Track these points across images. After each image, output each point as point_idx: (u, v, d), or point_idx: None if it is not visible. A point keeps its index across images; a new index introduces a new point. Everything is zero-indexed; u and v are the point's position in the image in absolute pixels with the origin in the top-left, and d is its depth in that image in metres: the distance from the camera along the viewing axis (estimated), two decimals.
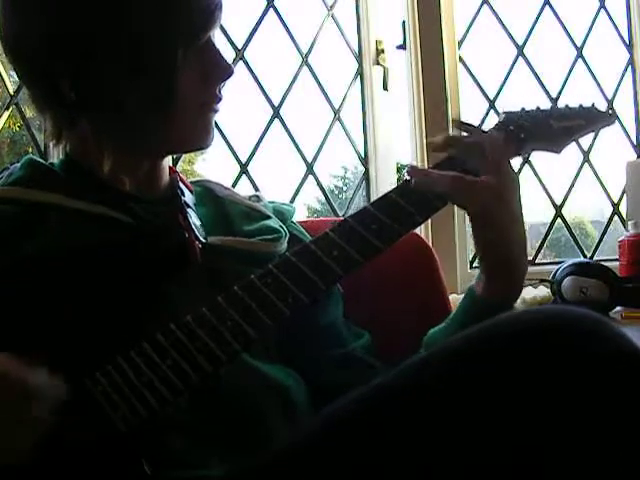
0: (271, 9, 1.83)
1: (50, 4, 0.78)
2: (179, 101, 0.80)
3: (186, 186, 0.92)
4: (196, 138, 0.86)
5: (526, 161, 1.97)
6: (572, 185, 2.03)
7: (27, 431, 0.61)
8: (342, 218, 0.81)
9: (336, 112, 1.88)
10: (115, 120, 0.81)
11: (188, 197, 0.89)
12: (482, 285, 0.83)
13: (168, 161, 0.92)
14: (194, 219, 0.85)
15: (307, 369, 0.87)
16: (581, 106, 0.96)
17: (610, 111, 0.99)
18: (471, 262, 1.91)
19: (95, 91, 0.79)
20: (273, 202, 0.99)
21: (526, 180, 1.98)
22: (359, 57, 1.93)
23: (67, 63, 0.78)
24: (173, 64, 0.79)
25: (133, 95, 0.79)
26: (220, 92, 0.85)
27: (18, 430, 0.61)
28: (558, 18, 2.04)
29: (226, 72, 0.84)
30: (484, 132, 0.89)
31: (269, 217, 0.93)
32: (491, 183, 0.80)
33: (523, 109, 0.93)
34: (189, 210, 0.86)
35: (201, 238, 0.83)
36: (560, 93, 2.00)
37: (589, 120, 0.95)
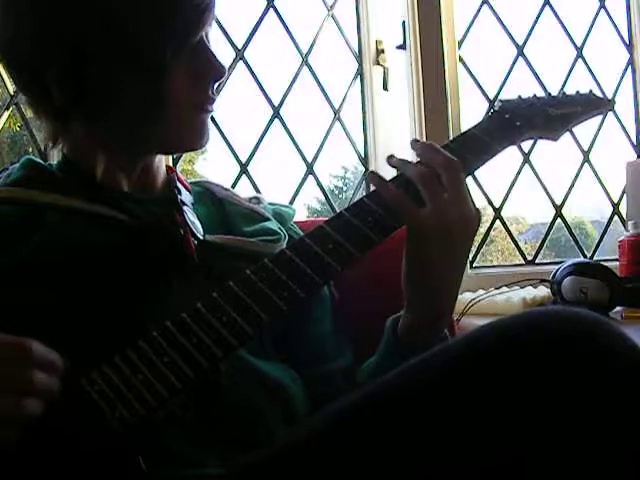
0: (271, 9, 1.83)
1: (41, 6, 0.78)
2: (172, 101, 0.80)
3: (184, 186, 0.92)
4: (189, 138, 0.86)
5: (526, 161, 1.97)
6: (572, 185, 2.03)
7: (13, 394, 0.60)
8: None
9: (336, 112, 1.88)
10: (107, 121, 0.81)
11: (185, 196, 0.89)
12: (402, 320, 0.83)
13: (164, 160, 0.92)
14: (190, 217, 0.85)
15: (299, 364, 0.87)
16: (578, 93, 0.96)
17: (607, 97, 0.98)
18: (471, 262, 1.91)
19: (86, 92, 0.79)
20: (273, 204, 0.99)
21: (526, 180, 1.98)
22: (359, 57, 1.92)
23: (58, 65, 0.78)
24: (165, 64, 0.78)
25: (125, 96, 0.79)
26: (214, 92, 0.85)
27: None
28: (558, 18, 2.04)
29: (218, 72, 0.84)
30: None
31: (268, 219, 0.93)
32: (438, 213, 0.75)
33: (520, 97, 0.94)
34: (185, 208, 0.86)
35: (198, 235, 0.83)
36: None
37: (586, 106, 0.95)
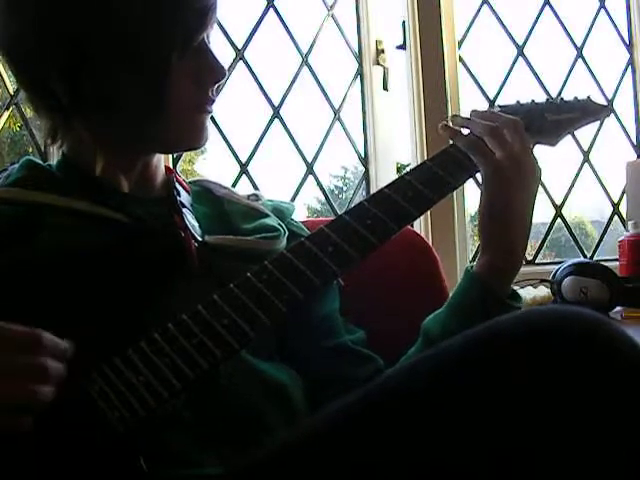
0: (271, 9, 1.83)
1: (44, 5, 0.78)
2: (172, 102, 0.80)
3: (182, 186, 0.92)
4: (189, 138, 0.86)
5: None
6: (572, 185, 2.04)
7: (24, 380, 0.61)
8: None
9: (336, 112, 1.88)
10: (108, 121, 0.81)
11: (184, 197, 0.89)
12: (478, 261, 0.85)
13: (163, 161, 0.92)
14: (190, 218, 0.86)
15: (302, 361, 0.87)
16: (576, 99, 0.96)
17: (606, 103, 0.99)
18: (471, 262, 1.91)
19: (88, 92, 0.79)
20: (272, 201, 0.99)
21: None
22: (359, 57, 1.93)
23: (61, 64, 0.78)
24: (167, 65, 0.79)
25: (126, 96, 0.79)
26: (214, 93, 0.85)
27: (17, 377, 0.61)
28: (558, 18, 2.04)
29: (219, 74, 0.84)
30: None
31: (267, 215, 0.93)
32: (519, 154, 0.83)
33: (518, 102, 0.94)
34: (185, 210, 0.86)
35: (197, 237, 0.84)
36: (560, 93, 2.00)
37: (585, 112, 0.95)
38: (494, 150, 0.84)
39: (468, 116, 0.91)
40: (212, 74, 0.84)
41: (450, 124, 0.92)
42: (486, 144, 0.85)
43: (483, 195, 0.85)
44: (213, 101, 0.86)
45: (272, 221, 0.92)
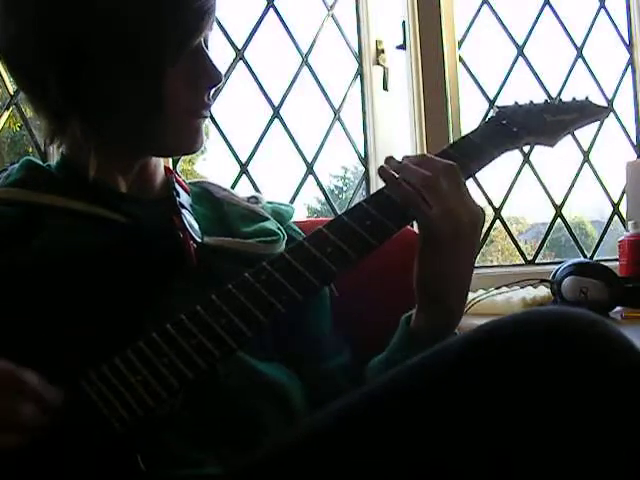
0: (271, 9, 1.83)
1: (43, 6, 0.78)
2: (167, 106, 0.80)
3: (182, 187, 0.92)
4: (183, 143, 0.86)
5: (526, 161, 1.97)
6: (572, 185, 2.04)
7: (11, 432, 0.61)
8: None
9: (336, 112, 1.88)
10: (107, 121, 0.81)
11: (184, 198, 0.89)
12: (416, 318, 0.83)
13: (162, 161, 0.92)
14: (189, 219, 0.86)
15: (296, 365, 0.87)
16: (574, 99, 0.96)
17: (604, 104, 0.99)
18: None
19: (87, 93, 0.79)
20: (272, 202, 0.99)
21: (526, 180, 1.99)
22: (359, 57, 1.93)
23: (60, 65, 0.78)
24: (163, 67, 0.79)
25: (125, 97, 0.79)
26: (209, 98, 0.85)
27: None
28: (558, 18, 2.04)
29: (215, 79, 0.84)
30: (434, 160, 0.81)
31: (267, 219, 0.93)
32: (455, 210, 0.76)
33: (516, 103, 0.94)
34: (184, 211, 0.86)
35: (197, 238, 0.83)
36: (560, 93, 2.01)
37: (583, 113, 0.96)
38: (430, 204, 0.76)
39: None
40: (208, 78, 0.84)
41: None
42: (421, 196, 0.77)
43: (417, 257, 0.80)
44: (209, 106, 0.86)
45: (271, 225, 0.92)
